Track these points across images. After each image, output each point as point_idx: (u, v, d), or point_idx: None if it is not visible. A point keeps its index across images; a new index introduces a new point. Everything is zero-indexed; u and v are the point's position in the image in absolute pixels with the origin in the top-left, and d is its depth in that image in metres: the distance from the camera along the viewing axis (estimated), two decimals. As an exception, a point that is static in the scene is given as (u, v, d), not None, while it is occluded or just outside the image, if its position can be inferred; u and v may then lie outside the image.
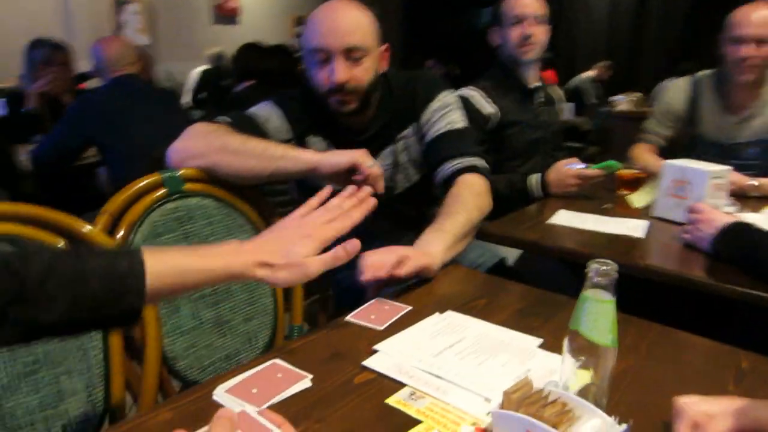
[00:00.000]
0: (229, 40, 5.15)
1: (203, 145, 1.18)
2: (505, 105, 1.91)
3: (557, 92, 2.23)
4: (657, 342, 0.83)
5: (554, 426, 0.54)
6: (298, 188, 1.46)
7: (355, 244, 0.84)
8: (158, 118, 2.14)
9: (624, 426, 0.53)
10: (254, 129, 1.28)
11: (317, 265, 0.80)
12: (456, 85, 1.88)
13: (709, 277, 1.08)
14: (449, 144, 1.35)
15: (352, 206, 0.91)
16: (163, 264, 0.70)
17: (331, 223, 0.86)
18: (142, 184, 1.10)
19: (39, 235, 0.89)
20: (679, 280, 1.10)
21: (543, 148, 1.97)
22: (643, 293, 1.32)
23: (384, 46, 1.34)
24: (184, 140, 1.20)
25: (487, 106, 1.89)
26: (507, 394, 0.58)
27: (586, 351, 0.60)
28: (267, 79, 2.81)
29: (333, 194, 0.94)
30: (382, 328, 0.86)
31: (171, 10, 5.84)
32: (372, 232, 1.34)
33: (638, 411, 0.64)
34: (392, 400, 0.68)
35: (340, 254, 0.82)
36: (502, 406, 0.58)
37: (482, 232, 1.42)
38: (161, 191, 1.12)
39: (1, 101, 2.66)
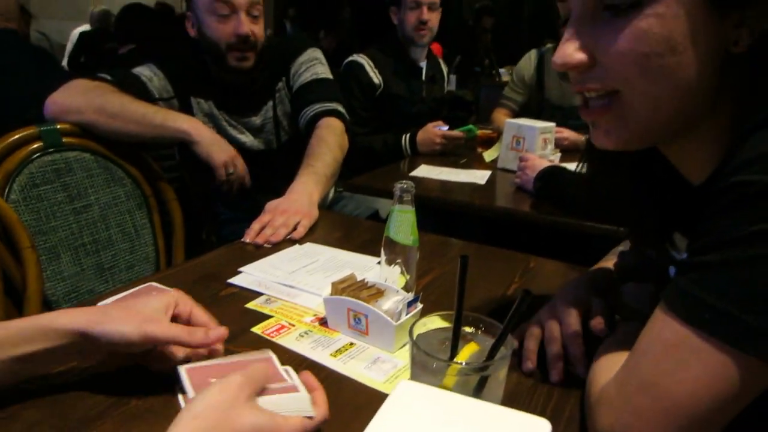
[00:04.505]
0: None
1: (83, 101, 1.22)
2: (390, 78, 2.09)
3: (443, 67, 2.43)
4: (468, 253, 1.04)
5: (366, 302, 0.71)
6: (180, 152, 1.53)
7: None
8: (33, 79, 2.08)
9: (414, 297, 0.71)
10: (139, 88, 1.33)
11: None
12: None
13: (531, 211, 1.32)
14: (312, 91, 1.48)
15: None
16: None
17: None
18: (17, 136, 1.15)
19: None
20: (504, 214, 1.33)
21: (421, 120, 2.14)
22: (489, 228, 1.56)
23: None
24: (63, 93, 1.23)
25: (375, 76, 2.06)
26: (334, 285, 0.75)
27: (395, 251, 0.78)
28: (149, 42, 2.76)
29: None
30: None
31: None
32: (258, 185, 1.47)
33: (440, 293, 0.83)
34: (251, 305, 0.83)
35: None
36: (330, 294, 0.75)
37: (355, 184, 1.60)
38: (38, 144, 1.17)
39: None
